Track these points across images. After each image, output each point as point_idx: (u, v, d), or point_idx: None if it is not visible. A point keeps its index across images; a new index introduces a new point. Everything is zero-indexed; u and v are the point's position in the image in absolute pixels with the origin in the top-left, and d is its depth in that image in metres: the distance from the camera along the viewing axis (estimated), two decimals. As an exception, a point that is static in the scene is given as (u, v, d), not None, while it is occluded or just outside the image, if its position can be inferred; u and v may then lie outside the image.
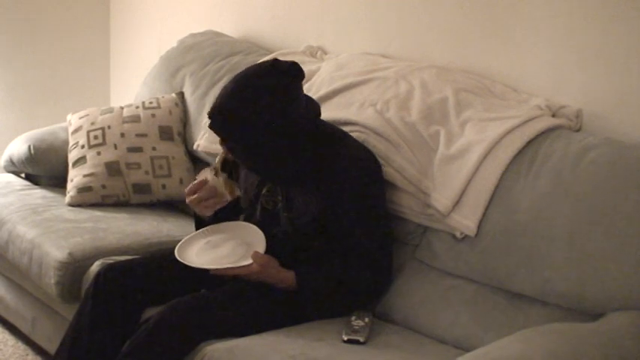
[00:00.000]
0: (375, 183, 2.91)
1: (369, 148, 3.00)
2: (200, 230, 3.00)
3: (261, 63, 2.85)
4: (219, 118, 2.75)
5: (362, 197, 2.85)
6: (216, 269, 2.79)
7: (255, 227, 2.92)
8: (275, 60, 2.79)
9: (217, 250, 2.87)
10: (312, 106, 2.91)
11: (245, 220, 3.03)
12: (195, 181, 2.93)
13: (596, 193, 2.63)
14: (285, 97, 2.74)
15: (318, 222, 2.87)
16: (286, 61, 2.79)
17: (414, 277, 2.99)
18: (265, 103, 2.70)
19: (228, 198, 2.91)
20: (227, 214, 3.01)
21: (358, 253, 2.86)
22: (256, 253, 2.78)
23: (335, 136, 2.96)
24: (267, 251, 2.82)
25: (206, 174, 2.93)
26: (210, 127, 2.79)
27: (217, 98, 2.77)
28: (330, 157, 2.86)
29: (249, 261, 2.76)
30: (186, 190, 2.94)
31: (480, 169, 2.88)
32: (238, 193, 2.93)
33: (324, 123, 2.98)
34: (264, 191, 2.95)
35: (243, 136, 2.75)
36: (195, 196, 2.91)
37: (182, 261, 2.82)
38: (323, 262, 2.88)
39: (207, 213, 2.96)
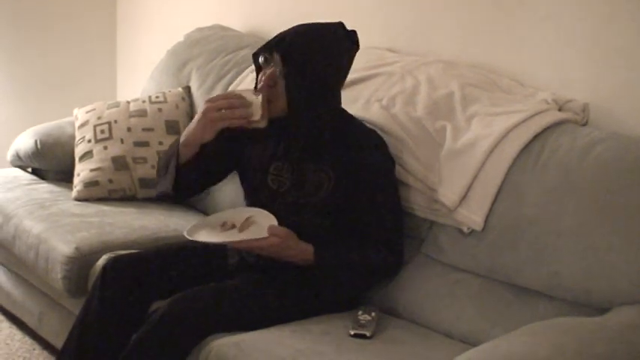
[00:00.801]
0: (389, 168, 2.95)
1: (381, 136, 3.02)
2: (203, 218, 2.98)
3: (328, 22, 2.96)
4: (297, 37, 2.82)
5: (377, 181, 2.89)
6: (235, 242, 2.78)
7: (261, 209, 2.90)
8: (341, 22, 2.94)
9: (229, 230, 2.86)
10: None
11: (250, 199, 3.03)
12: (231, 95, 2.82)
13: (602, 187, 2.63)
14: (346, 54, 2.90)
15: (328, 201, 2.88)
16: (351, 30, 2.94)
17: (421, 272, 2.99)
18: (333, 48, 2.85)
19: (258, 120, 2.77)
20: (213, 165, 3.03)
21: (373, 234, 2.88)
22: (273, 226, 2.76)
23: (352, 120, 3.01)
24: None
25: (241, 92, 2.82)
26: (283, 44, 2.82)
27: (287, 30, 2.87)
28: (345, 139, 2.89)
29: (266, 234, 2.75)
30: (210, 98, 2.83)
31: (487, 163, 2.88)
32: (266, 121, 2.81)
33: (345, 110, 3.03)
34: (271, 169, 2.95)
35: (308, 61, 2.80)
36: (221, 101, 2.79)
37: (196, 239, 2.79)
38: (339, 241, 2.89)
39: (215, 128, 2.81)
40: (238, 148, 3.03)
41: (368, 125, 3.05)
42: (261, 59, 2.88)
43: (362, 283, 2.93)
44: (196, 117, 2.84)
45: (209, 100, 2.81)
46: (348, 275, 2.87)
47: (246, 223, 2.84)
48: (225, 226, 2.85)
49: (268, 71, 2.84)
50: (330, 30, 2.88)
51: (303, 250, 2.81)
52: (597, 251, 2.58)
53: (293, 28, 2.87)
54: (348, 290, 2.93)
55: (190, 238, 2.80)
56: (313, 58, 2.80)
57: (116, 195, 3.85)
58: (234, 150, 3.03)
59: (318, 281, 2.85)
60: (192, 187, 3.06)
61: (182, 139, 2.89)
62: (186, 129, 2.89)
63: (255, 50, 2.93)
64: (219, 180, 3.18)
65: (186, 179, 2.94)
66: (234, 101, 2.78)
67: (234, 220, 2.87)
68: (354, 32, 2.92)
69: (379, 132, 3.08)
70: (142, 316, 2.85)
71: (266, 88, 2.83)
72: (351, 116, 3.03)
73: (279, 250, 2.77)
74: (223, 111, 2.78)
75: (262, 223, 2.82)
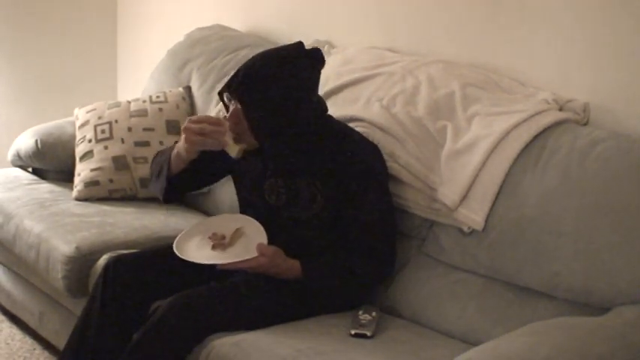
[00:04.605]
0: (378, 175, 2.93)
1: (374, 143, 3.01)
2: (195, 224, 3.00)
3: (286, 44, 2.95)
4: (246, 75, 2.79)
5: (367, 189, 2.87)
6: (224, 264, 2.79)
7: (250, 218, 2.92)
8: (300, 42, 2.90)
9: (218, 243, 2.86)
10: (321, 101, 2.97)
11: (247, 214, 3.02)
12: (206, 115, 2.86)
13: (603, 187, 2.63)
14: (306, 74, 2.85)
15: (323, 214, 2.88)
16: (311, 48, 2.91)
17: (421, 271, 2.99)
18: (288, 73, 2.79)
19: (232, 150, 2.81)
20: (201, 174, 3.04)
21: (362, 244, 2.88)
22: (262, 244, 2.78)
23: (341, 130, 2.99)
24: (269, 245, 2.82)
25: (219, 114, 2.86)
26: (233, 85, 2.81)
27: (241, 66, 2.84)
28: (336, 151, 2.88)
29: (255, 253, 2.76)
30: (191, 117, 2.86)
31: (487, 163, 2.88)
32: (240, 154, 2.84)
33: (331, 118, 3.01)
34: (266, 185, 2.95)
35: (263, 96, 2.77)
36: (200, 125, 2.80)
37: (185, 258, 2.81)
38: (327, 252, 2.90)
39: (193, 150, 2.86)
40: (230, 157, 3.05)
41: (359, 132, 3.04)
42: (225, 99, 2.89)
43: (351, 293, 2.93)
44: (182, 137, 2.88)
45: (188, 121, 2.83)
46: (337, 288, 2.88)
47: (236, 235, 2.87)
48: (214, 237, 2.87)
49: (232, 109, 2.85)
50: (284, 54, 2.85)
51: (290, 268, 2.83)
52: (597, 251, 2.58)
53: (247, 61, 2.84)
54: (339, 300, 2.92)
55: (179, 255, 2.82)
56: (267, 89, 2.77)
57: (117, 195, 3.86)
58: (226, 158, 3.04)
59: (308, 294, 2.85)
60: (184, 190, 3.12)
61: (174, 150, 2.93)
62: (178, 142, 2.93)
63: (219, 89, 2.94)
64: (212, 183, 3.26)
65: (177, 186, 3.01)
66: (206, 127, 2.80)
67: (224, 231, 2.89)
68: (316, 49, 2.90)
69: (379, 132, 3.09)
70: (143, 315, 2.85)
71: (232, 127, 2.83)
72: (338, 124, 3.01)
73: (266, 268, 2.80)
74: (198, 136, 2.81)
75: (251, 236, 2.84)
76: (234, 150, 2.81)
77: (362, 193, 2.86)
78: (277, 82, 2.78)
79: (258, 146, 2.88)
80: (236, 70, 2.85)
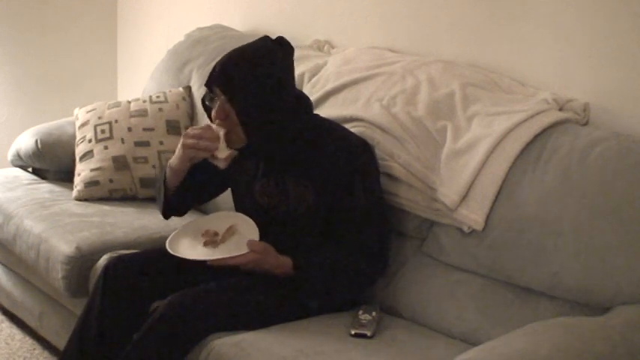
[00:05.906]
0: (366, 171, 2.93)
1: (363, 138, 3.01)
2: (188, 222, 3.00)
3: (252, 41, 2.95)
4: (224, 65, 2.81)
5: (354, 185, 2.87)
6: (214, 260, 2.79)
7: (244, 215, 2.92)
8: (265, 35, 2.92)
9: (210, 239, 2.86)
10: (305, 97, 3.00)
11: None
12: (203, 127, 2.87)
13: (603, 187, 2.63)
14: (282, 58, 2.84)
15: (313, 212, 2.88)
16: (276, 37, 2.91)
17: (421, 271, 2.99)
18: (264, 57, 2.81)
19: (220, 158, 2.81)
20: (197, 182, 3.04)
21: (351, 240, 2.88)
22: (252, 241, 2.78)
23: (329, 127, 2.99)
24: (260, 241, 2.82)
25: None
26: (213, 78, 2.83)
27: (216, 62, 2.86)
28: (323, 148, 2.89)
29: (246, 249, 2.76)
30: (190, 130, 2.87)
31: (487, 163, 2.88)
32: (229, 161, 2.83)
33: (319, 117, 3.02)
34: (257, 186, 2.96)
35: (245, 81, 2.78)
36: (193, 133, 2.83)
37: (176, 254, 2.81)
38: (319, 249, 2.90)
39: (186, 158, 2.87)
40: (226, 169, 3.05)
41: (349, 129, 3.04)
42: (207, 101, 2.90)
43: (344, 291, 2.92)
44: (178, 146, 2.90)
45: (184, 136, 2.85)
46: (329, 285, 2.87)
47: (229, 232, 2.87)
48: (207, 234, 2.87)
49: (216, 105, 2.85)
50: (256, 46, 2.86)
51: (281, 264, 2.83)
52: (598, 251, 2.58)
53: (222, 57, 2.87)
54: (331, 298, 2.92)
55: (171, 252, 2.82)
56: (247, 73, 2.78)
57: (117, 195, 3.86)
58: (223, 171, 3.04)
59: (300, 292, 2.85)
60: (186, 206, 3.15)
61: (167, 169, 2.95)
62: (172, 158, 2.95)
63: (202, 97, 2.96)
64: (213, 197, 3.26)
65: (177, 202, 3.04)
66: (202, 133, 2.82)
67: (217, 228, 2.90)
68: (281, 38, 2.91)
69: (379, 132, 3.09)
70: (143, 315, 2.85)
71: (221, 122, 2.83)
72: (326, 122, 3.01)
73: (257, 265, 2.80)
74: (194, 141, 2.83)
75: (244, 233, 2.84)
76: (223, 153, 2.81)
77: (349, 189, 2.86)
78: (256, 66, 2.78)
79: (248, 141, 2.86)
80: (212, 67, 2.86)
